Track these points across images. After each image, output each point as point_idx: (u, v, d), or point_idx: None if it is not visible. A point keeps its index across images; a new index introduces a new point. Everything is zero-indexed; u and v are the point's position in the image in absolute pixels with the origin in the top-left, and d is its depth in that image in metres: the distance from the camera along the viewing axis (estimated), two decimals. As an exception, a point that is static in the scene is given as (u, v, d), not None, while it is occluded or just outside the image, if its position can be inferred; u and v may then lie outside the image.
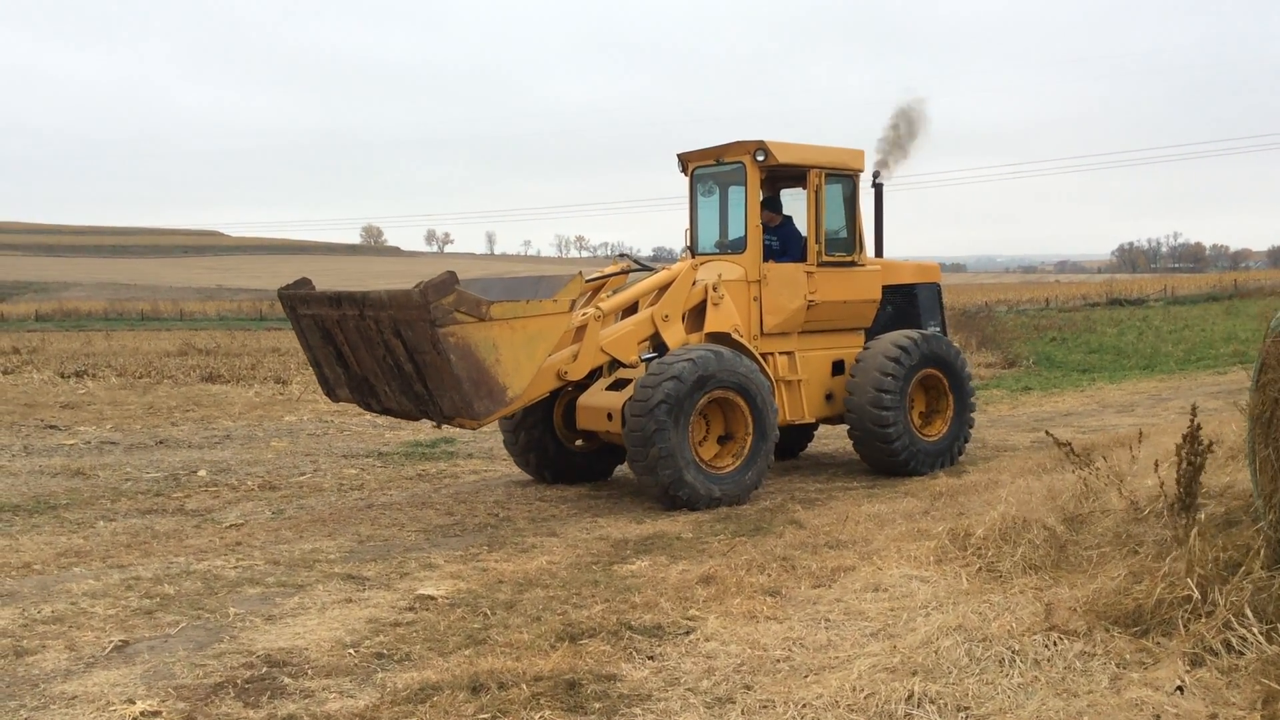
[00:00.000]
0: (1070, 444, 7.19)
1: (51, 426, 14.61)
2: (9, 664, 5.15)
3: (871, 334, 10.98)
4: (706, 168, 10.72)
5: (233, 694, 4.78)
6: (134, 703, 4.61)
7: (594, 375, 9.80)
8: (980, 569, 6.22)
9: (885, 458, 10.44)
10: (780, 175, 10.65)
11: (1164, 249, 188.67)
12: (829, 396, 10.69)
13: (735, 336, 9.82)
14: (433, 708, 4.56)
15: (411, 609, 6.16)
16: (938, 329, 11.54)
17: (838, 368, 10.74)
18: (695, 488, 8.96)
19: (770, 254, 10.45)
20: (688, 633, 5.58)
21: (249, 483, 10.51)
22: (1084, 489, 6.88)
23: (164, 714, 4.53)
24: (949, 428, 10.89)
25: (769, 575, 6.66)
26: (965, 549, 6.54)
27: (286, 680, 4.96)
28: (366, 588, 6.65)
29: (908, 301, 11.53)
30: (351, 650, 5.39)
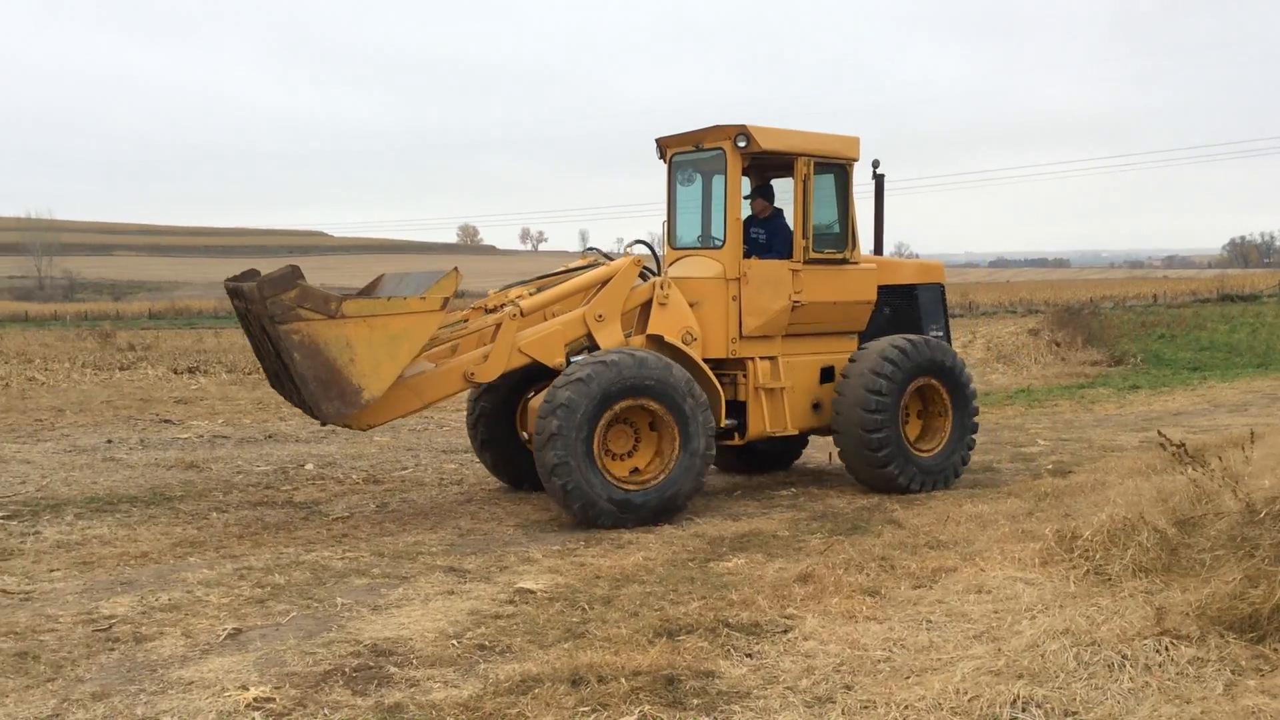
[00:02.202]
0: (1182, 444, 6.98)
1: (166, 421, 15.17)
2: (129, 650, 5.37)
3: (867, 338, 10.04)
4: (686, 154, 9.79)
5: (341, 682, 4.92)
6: (247, 689, 4.76)
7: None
8: (1088, 571, 6.07)
9: (874, 473, 9.49)
10: (768, 163, 9.81)
11: (1278, 243, 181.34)
12: (816, 406, 9.79)
13: (683, 340, 9.03)
14: (534, 699, 4.62)
15: (511, 602, 6.25)
16: (940, 334, 10.67)
17: (827, 374, 9.83)
18: (595, 500, 8.16)
19: (757, 249, 9.69)
20: (785, 631, 5.56)
21: (354, 476, 10.77)
22: (1196, 491, 6.66)
23: (276, 700, 4.67)
24: (947, 442, 9.86)
25: (868, 575, 6.60)
26: (1072, 551, 6.39)
27: (393, 669, 5.08)
28: (467, 580, 6.76)
29: (907, 303, 10.58)
30: (454, 641, 5.49)
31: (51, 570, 6.89)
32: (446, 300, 8.06)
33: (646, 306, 9.16)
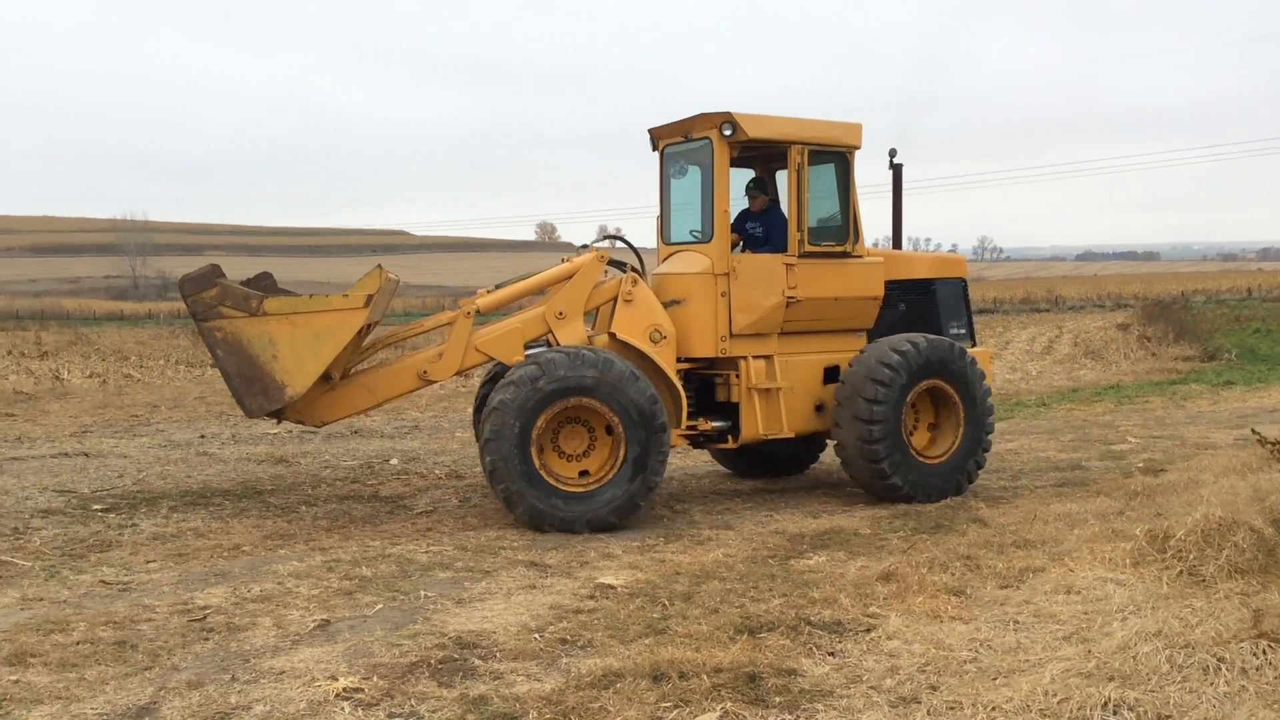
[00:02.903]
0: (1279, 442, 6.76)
1: (255, 416, 15.54)
2: (223, 639, 5.51)
3: (878, 336, 9.49)
4: (676, 145, 9.38)
5: (427, 673, 4.99)
6: (336, 679, 4.86)
7: None
8: (1181, 572, 5.91)
9: (873, 480, 8.98)
10: (766, 154, 9.49)
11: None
12: (819, 407, 9.29)
13: (650, 338, 8.74)
14: (616, 694, 4.65)
15: (592, 597, 6.29)
16: (962, 331, 10.15)
17: (831, 375, 9.34)
18: (534, 503, 8.01)
19: (755, 243, 9.44)
20: (869, 630, 5.51)
21: (437, 471, 10.93)
22: (1297, 490, 6.45)
23: (364, 690, 4.76)
24: (957, 448, 9.23)
25: (952, 574, 6.51)
26: (1164, 551, 6.22)
27: (477, 662, 5.15)
28: (549, 575, 6.82)
29: (924, 300, 10.02)
30: (537, 635, 5.54)
31: (148, 562, 7.11)
32: (370, 297, 8.09)
33: (611, 305, 8.92)
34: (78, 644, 5.35)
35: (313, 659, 5.18)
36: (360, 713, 4.53)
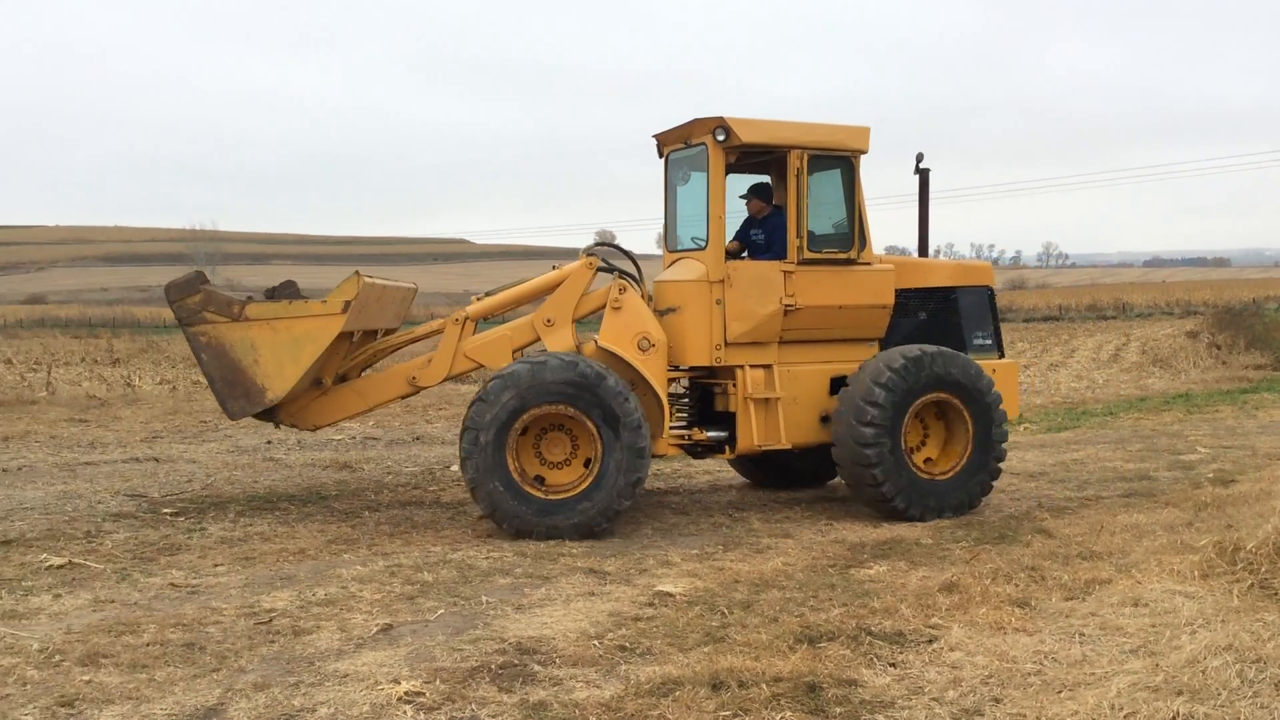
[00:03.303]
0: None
1: (319, 423, 15.76)
2: (289, 642, 5.60)
3: (893, 346, 9.10)
4: (679, 151, 9.28)
5: (488, 678, 5.03)
6: (399, 683, 4.92)
7: None
8: (1252, 585, 5.78)
9: (869, 494, 8.70)
10: (770, 159, 9.28)
11: None
12: (825, 419, 8.99)
13: (639, 346, 8.60)
14: (675, 702, 4.65)
15: (651, 604, 6.30)
16: (989, 342, 9.70)
17: (838, 385, 9.01)
18: (518, 514, 8.04)
19: (757, 250, 9.23)
20: (930, 641, 5.45)
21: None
22: (1375, 503, 6.28)
23: (426, 695, 4.81)
24: (964, 464, 8.82)
25: (1016, 585, 6.42)
26: (1235, 564, 6.09)
27: (537, 668, 5.18)
28: (607, 582, 6.84)
29: (946, 309, 9.62)
30: (596, 642, 5.56)
31: (216, 565, 7.25)
32: (347, 304, 8.23)
33: (600, 312, 8.88)
34: (148, 645, 5.48)
35: (375, 662, 5.25)
36: (422, 716, 4.58)
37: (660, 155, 9.60)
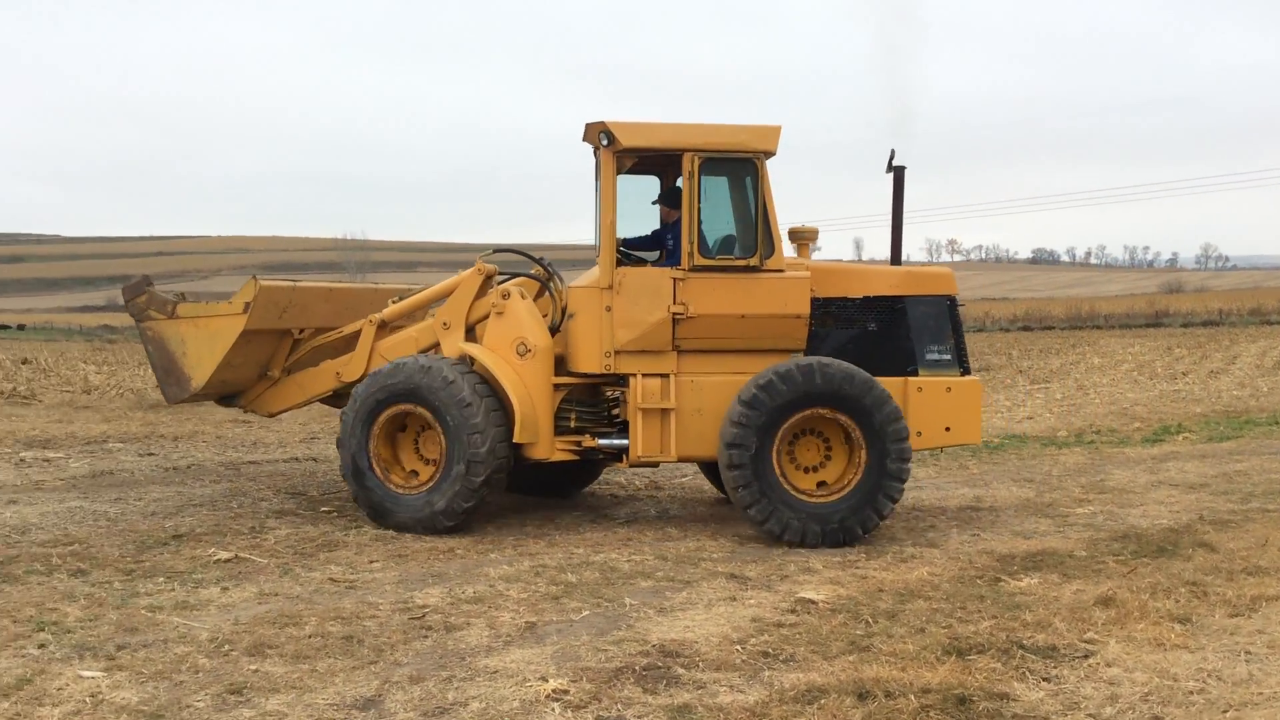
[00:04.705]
0: None
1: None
2: (440, 638, 5.78)
3: (861, 361, 8.41)
4: (594, 155, 9.03)
5: (632, 679, 5.10)
6: (546, 680, 5.03)
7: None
8: None
9: (744, 515, 8.27)
10: (656, 161, 8.89)
11: None
12: None
13: (517, 351, 8.61)
14: (820, 710, 4.63)
15: (793, 611, 6.28)
16: (945, 357, 8.77)
17: None
18: (377, 503, 8.55)
19: (671, 256, 8.77)
20: (1086, 656, 5.29)
21: (636, 483, 11.12)
22: None
23: (572, 693, 4.91)
24: (854, 488, 8.13)
25: (1176, 600, 6.18)
26: None
27: (680, 670, 5.22)
28: (749, 587, 6.84)
29: (891, 319, 8.79)
30: (738, 647, 5.57)
31: (371, 562, 7.52)
32: (248, 305, 9.03)
33: (487, 318, 8.96)
34: (309, 637, 5.73)
35: (523, 660, 5.37)
36: (570, 714, 4.67)
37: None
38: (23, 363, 27.83)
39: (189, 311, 9.28)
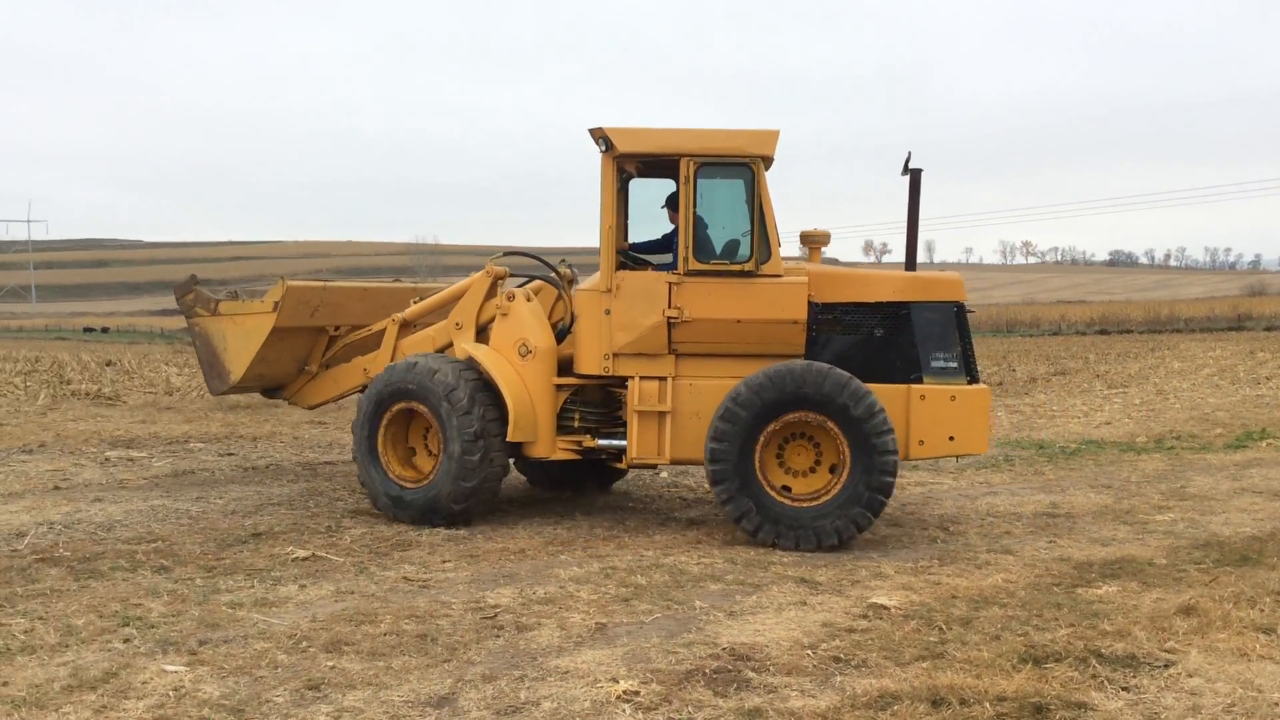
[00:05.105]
0: None
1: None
2: (512, 637, 5.84)
3: (864, 367, 8.40)
4: None
5: (702, 682, 5.10)
6: (617, 682, 5.05)
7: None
8: None
9: (729, 520, 8.34)
10: (671, 165, 8.72)
11: None
12: None
13: (519, 352, 8.92)
14: (893, 716, 4.59)
15: (865, 616, 6.23)
16: (952, 365, 8.52)
17: None
18: (377, 495, 9.02)
19: (678, 260, 8.68)
20: (1166, 666, 5.17)
21: (704, 486, 11.09)
22: None
23: (643, 694, 4.92)
24: (835, 492, 8.07)
25: (1262, 611, 6.01)
26: None
27: (750, 674, 5.21)
28: (819, 592, 6.80)
29: (895, 326, 8.56)
30: (809, 651, 5.55)
31: (444, 561, 7.62)
32: (277, 304, 9.68)
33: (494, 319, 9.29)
34: (384, 635, 5.82)
35: (594, 661, 5.40)
36: (640, 715, 4.69)
37: None
38: (107, 365, 28.64)
39: (229, 309, 9.95)
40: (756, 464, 8.15)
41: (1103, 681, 4.98)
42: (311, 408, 10.79)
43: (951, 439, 8.40)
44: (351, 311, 10.50)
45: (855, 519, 8.03)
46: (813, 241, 9.14)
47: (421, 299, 10.10)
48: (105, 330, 71.36)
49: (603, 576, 7.14)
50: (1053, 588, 6.84)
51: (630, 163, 8.83)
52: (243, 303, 9.94)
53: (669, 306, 8.49)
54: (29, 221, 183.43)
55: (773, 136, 8.52)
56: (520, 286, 9.54)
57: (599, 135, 8.56)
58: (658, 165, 8.90)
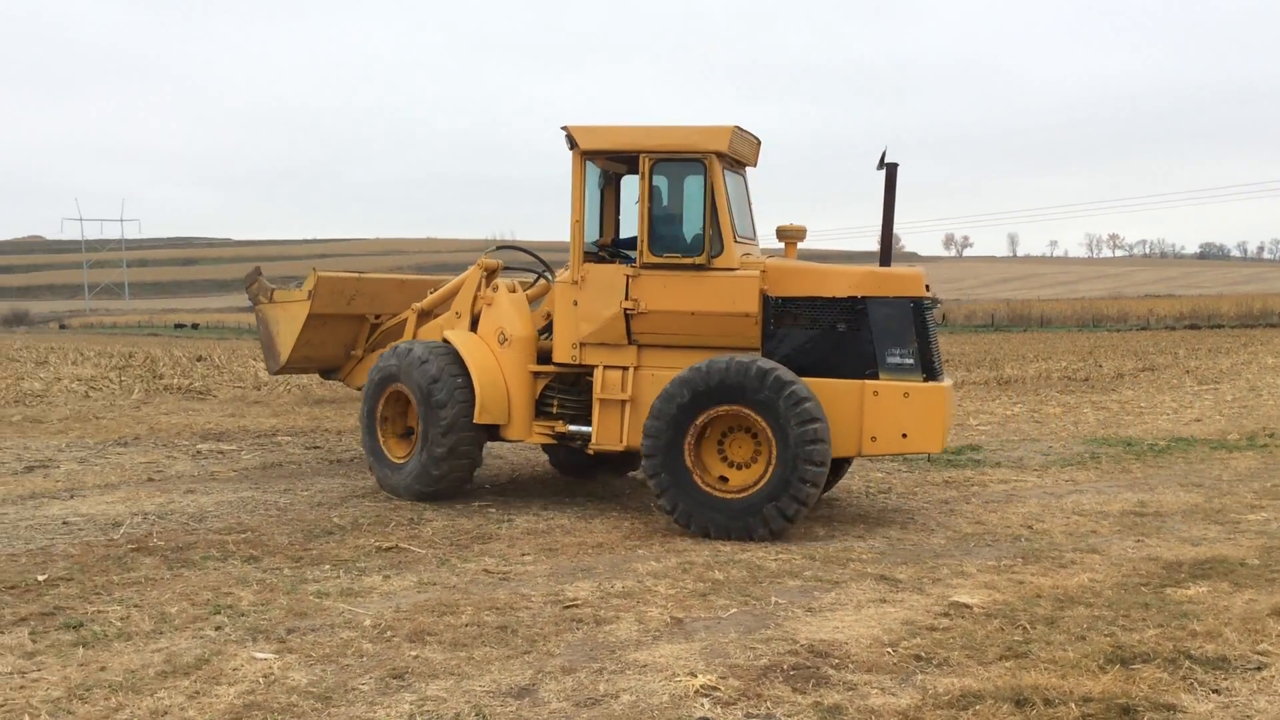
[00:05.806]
0: None
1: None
2: (590, 630, 5.89)
3: (782, 356, 8.52)
4: None
5: (781, 678, 5.10)
6: (695, 676, 5.07)
7: None
8: None
9: (663, 513, 8.48)
10: (625, 162, 9.24)
11: None
12: None
13: (498, 340, 9.54)
14: (975, 715, 4.54)
15: (946, 615, 6.16)
16: (909, 361, 8.38)
17: None
18: (383, 477, 9.83)
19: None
20: (1259, 669, 5.04)
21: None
22: None
23: (721, 689, 4.93)
24: (763, 485, 8.11)
25: (1362, 614, 5.81)
26: None
27: (830, 671, 5.19)
28: (899, 589, 6.74)
29: (851, 320, 8.48)
30: (890, 649, 5.51)
31: (523, 554, 7.71)
32: (310, 293, 10.89)
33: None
34: (466, 626, 5.91)
35: (672, 655, 5.43)
36: (719, 710, 4.70)
37: None
38: (198, 360, 29.44)
39: (281, 297, 11.22)
40: (687, 457, 8.32)
41: (1192, 683, 4.87)
42: (358, 389, 11.53)
43: (904, 436, 8.37)
44: (392, 301, 11.55)
45: (783, 509, 8.07)
46: (788, 236, 9.25)
47: (435, 290, 10.86)
48: (195, 326, 73.27)
49: (680, 571, 7.16)
50: (1140, 588, 6.69)
51: (597, 159, 9.18)
52: (289, 291, 11.18)
53: (625, 298, 8.79)
54: (122, 221, 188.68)
55: (725, 132, 8.67)
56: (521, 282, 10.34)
57: (566, 133, 8.98)
58: (627, 161, 9.26)
